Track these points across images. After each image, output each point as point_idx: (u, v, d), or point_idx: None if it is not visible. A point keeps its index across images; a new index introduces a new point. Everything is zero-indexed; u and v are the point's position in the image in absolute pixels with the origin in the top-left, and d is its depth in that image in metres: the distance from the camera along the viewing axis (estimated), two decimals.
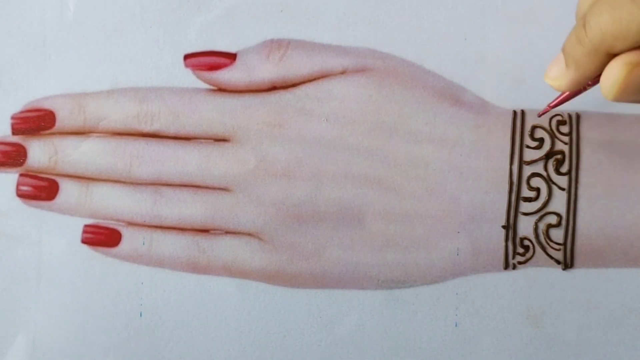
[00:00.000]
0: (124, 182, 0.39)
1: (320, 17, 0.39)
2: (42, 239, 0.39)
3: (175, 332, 0.39)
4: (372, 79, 0.38)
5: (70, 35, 0.39)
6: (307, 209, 0.39)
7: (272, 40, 0.39)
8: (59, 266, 0.39)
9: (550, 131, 0.38)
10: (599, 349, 0.39)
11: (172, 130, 0.39)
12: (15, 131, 0.39)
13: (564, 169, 0.38)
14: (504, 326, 0.39)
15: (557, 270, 0.39)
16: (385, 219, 0.38)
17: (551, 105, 0.34)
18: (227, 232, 0.39)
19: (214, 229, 0.39)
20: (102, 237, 0.39)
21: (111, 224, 0.39)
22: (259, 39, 0.39)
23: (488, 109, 0.38)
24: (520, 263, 0.39)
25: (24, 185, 0.39)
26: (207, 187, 0.39)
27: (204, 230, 0.39)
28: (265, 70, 0.38)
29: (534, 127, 0.38)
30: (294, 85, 0.39)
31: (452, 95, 0.38)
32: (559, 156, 0.38)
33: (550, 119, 0.38)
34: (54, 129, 0.39)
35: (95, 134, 0.39)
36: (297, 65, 0.38)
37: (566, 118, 0.38)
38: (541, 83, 0.38)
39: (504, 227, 0.38)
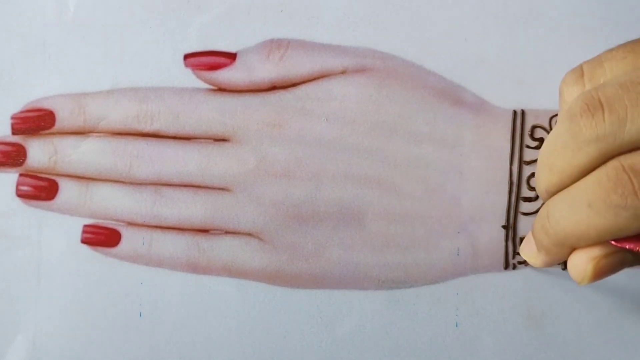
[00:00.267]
0: (123, 182, 0.39)
1: (320, 17, 0.39)
2: (42, 239, 0.39)
3: (175, 332, 0.39)
4: (372, 79, 0.38)
5: (70, 35, 0.39)
6: (307, 209, 0.39)
7: (272, 40, 0.39)
8: (59, 266, 0.39)
9: (550, 131, 0.38)
10: (599, 349, 0.39)
11: (172, 130, 0.39)
12: (15, 131, 0.39)
13: None
14: (504, 326, 0.39)
15: (557, 270, 0.39)
16: (385, 219, 0.38)
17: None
18: (227, 232, 0.39)
19: (214, 229, 0.39)
20: (102, 237, 0.39)
21: (111, 224, 0.39)
22: (259, 39, 0.39)
23: (488, 109, 0.38)
24: (520, 263, 0.39)
25: (23, 185, 0.39)
26: (207, 187, 0.39)
27: (204, 230, 0.39)
28: (265, 70, 0.38)
29: (534, 127, 0.38)
30: (294, 85, 0.39)
31: (452, 95, 0.38)
32: None
33: (551, 119, 0.38)
34: (54, 129, 0.39)
35: (95, 134, 0.39)
36: (297, 65, 0.38)
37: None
38: (541, 83, 0.38)
39: (504, 227, 0.38)
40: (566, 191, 0.30)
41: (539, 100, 0.38)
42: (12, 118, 0.39)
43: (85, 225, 0.39)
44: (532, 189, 0.38)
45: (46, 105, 0.39)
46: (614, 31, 0.38)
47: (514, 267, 0.39)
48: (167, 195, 0.39)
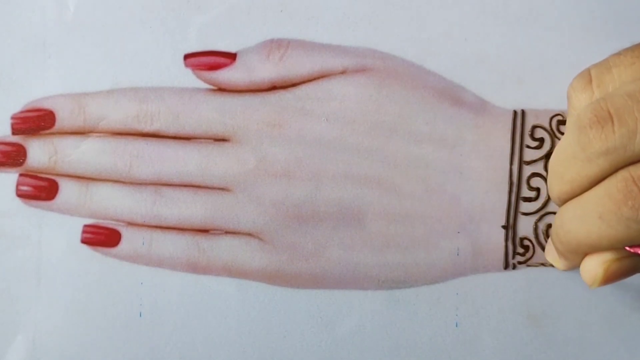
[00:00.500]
0: (123, 182, 0.39)
1: (320, 17, 0.39)
2: (42, 239, 0.39)
3: (175, 332, 0.39)
4: (372, 79, 0.38)
5: (70, 35, 0.39)
6: (307, 209, 0.39)
7: (272, 40, 0.39)
8: (59, 266, 0.39)
9: (550, 131, 0.38)
10: (599, 349, 0.39)
11: (172, 130, 0.39)
12: (15, 131, 0.39)
13: None
14: (504, 326, 0.39)
15: (557, 270, 0.39)
16: (385, 219, 0.38)
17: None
18: (227, 232, 0.39)
19: (214, 229, 0.39)
20: (102, 237, 0.39)
21: (111, 224, 0.39)
22: (259, 39, 0.39)
23: (488, 109, 0.38)
24: (520, 263, 0.39)
25: (23, 185, 0.39)
26: (207, 187, 0.39)
27: (204, 230, 0.39)
28: (265, 70, 0.38)
29: (534, 127, 0.38)
30: (294, 85, 0.39)
31: (452, 95, 0.38)
32: None
33: (551, 118, 0.38)
34: (54, 129, 0.39)
35: (95, 134, 0.39)
36: (297, 65, 0.38)
37: (567, 118, 0.38)
38: (541, 83, 0.38)
39: (504, 227, 0.38)
40: (577, 201, 0.30)
41: (539, 100, 0.38)
42: (12, 118, 0.39)
43: (85, 225, 0.39)
44: (532, 189, 0.38)
45: (46, 105, 0.39)
46: (614, 31, 0.38)
47: (514, 267, 0.39)
48: (167, 195, 0.39)
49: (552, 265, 0.38)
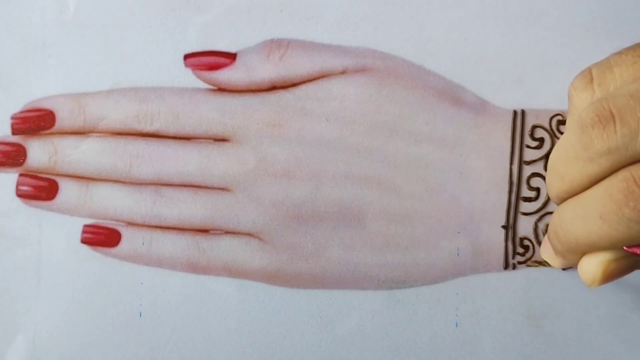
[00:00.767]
0: (123, 182, 0.39)
1: (320, 17, 0.39)
2: (42, 239, 0.39)
3: (175, 332, 0.39)
4: (372, 79, 0.38)
5: (70, 35, 0.39)
6: (307, 209, 0.39)
7: (272, 40, 0.39)
8: (59, 266, 0.39)
9: (550, 131, 0.38)
10: (599, 349, 0.39)
11: (172, 130, 0.39)
12: (15, 131, 0.39)
13: None
14: (504, 326, 0.39)
15: (557, 270, 0.39)
16: (385, 219, 0.38)
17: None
18: (227, 232, 0.39)
19: (214, 229, 0.39)
20: (102, 237, 0.39)
21: (111, 224, 0.39)
22: (259, 39, 0.39)
23: (488, 109, 0.38)
24: (520, 263, 0.39)
25: (23, 185, 0.39)
26: (207, 187, 0.39)
27: (204, 230, 0.39)
28: (265, 70, 0.38)
29: (534, 127, 0.38)
30: (294, 85, 0.39)
31: (452, 95, 0.38)
32: None
33: (551, 118, 0.38)
34: (54, 129, 0.39)
35: (95, 134, 0.39)
36: (297, 65, 0.38)
37: (566, 118, 0.38)
38: (541, 83, 0.38)
39: (504, 227, 0.38)
40: (577, 200, 0.30)
41: (539, 100, 0.38)
42: (12, 118, 0.39)
43: (85, 225, 0.39)
44: (532, 189, 0.38)
45: (46, 105, 0.39)
46: (614, 31, 0.38)
47: (514, 267, 0.39)
48: (167, 195, 0.39)
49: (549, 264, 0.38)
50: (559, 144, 0.31)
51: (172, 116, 0.39)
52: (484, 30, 0.38)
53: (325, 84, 0.38)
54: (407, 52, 0.38)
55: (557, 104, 0.38)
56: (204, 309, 0.39)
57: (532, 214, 0.38)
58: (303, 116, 0.38)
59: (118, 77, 0.39)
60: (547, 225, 0.38)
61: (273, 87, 0.39)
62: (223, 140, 0.39)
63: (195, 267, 0.39)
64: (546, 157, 0.38)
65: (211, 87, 0.39)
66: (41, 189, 0.39)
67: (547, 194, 0.37)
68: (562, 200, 0.31)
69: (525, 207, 0.38)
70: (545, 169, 0.38)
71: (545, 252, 0.35)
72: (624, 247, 0.30)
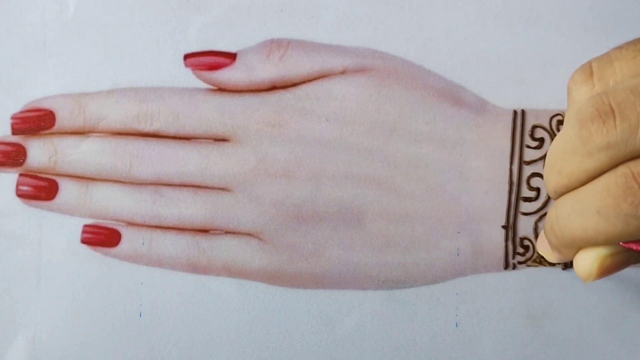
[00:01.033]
0: (123, 182, 0.39)
1: (320, 17, 0.39)
2: (42, 239, 0.39)
3: (175, 332, 0.39)
4: (372, 79, 0.38)
5: (70, 35, 0.39)
6: (307, 209, 0.39)
7: (272, 40, 0.39)
8: (59, 266, 0.39)
9: (550, 131, 0.38)
10: (599, 349, 0.39)
11: (172, 130, 0.39)
12: (15, 131, 0.39)
13: None
14: (504, 326, 0.39)
15: (557, 270, 0.39)
16: (385, 219, 0.38)
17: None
18: (227, 232, 0.39)
19: (214, 229, 0.39)
20: (102, 237, 0.39)
21: (111, 224, 0.39)
22: (259, 39, 0.39)
23: (488, 109, 0.38)
24: (520, 263, 0.39)
25: (23, 185, 0.39)
26: (207, 187, 0.39)
27: (204, 230, 0.39)
28: (265, 70, 0.38)
29: (534, 127, 0.38)
30: (294, 85, 0.39)
31: (452, 95, 0.38)
32: None
33: (551, 118, 0.38)
34: (54, 129, 0.39)
35: (95, 134, 0.39)
36: (297, 65, 0.38)
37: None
38: (541, 83, 0.38)
39: (504, 227, 0.38)
40: (575, 195, 0.30)
41: (539, 100, 0.38)
42: (12, 118, 0.39)
43: (85, 225, 0.39)
44: (532, 189, 0.38)
45: (46, 105, 0.39)
46: (614, 31, 0.38)
47: (514, 267, 0.39)
48: (167, 195, 0.39)
49: (550, 264, 0.38)
50: (557, 138, 0.31)
51: (172, 116, 0.39)
52: (484, 30, 0.38)
53: (325, 84, 0.38)
54: (407, 52, 0.38)
55: (557, 104, 0.38)
56: (204, 309, 0.39)
57: (532, 214, 0.38)
58: (303, 116, 0.38)
59: (118, 77, 0.39)
60: None
61: (273, 87, 0.39)
62: (223, 140, 0.39)
63: (195, 267, 0.39)
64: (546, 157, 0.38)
65: (211, 87, 0.39)
66: (41, 189, 0.39)
67: (547, 192, 0.37)
68: (560, 195, 0.31)
69: (525, 207, 0.38)
70: None
71: (541, 246, 0.35)
72: (620, 243, 0.30)
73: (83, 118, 0.39)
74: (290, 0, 0.38)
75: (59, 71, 0.39)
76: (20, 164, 0.39)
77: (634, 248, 0.30)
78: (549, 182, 0.31)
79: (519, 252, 0.38)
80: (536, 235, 0.38)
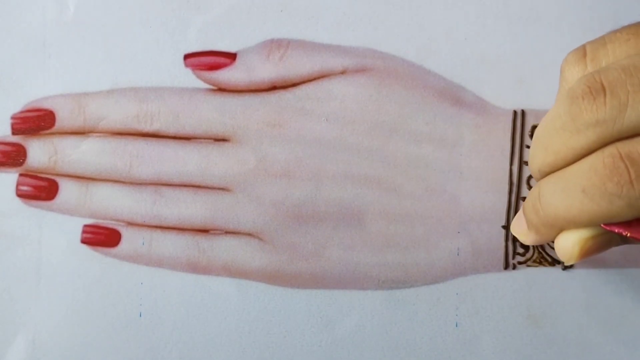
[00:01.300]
0: (123, 182, 0.39)
1: (320, 17, 0.39)
2: (42, 239, 0.39)
3: (175, 332, 0.39)
4: (372, 79, 0.38)
5: (70, 35, 0.39)
6: (307, 209, 0.39)
7: (272, 40, 0.39)
8: (59, 266, 0.39)
9: None
10: (599, 349, 0.39)
11: (172, 130, 0.39)
12: (15, 131, 0.39)
13: None
14: (504, 326, 0.39)
15: (557, 271, 0.39)
16: (385, 219, 0.38)
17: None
18: (227, 232, 0.39)
19: (214, 229, 0.39)
20: (102, 237, 0.39)
21: (111, 224, 0.39)
22: (259, 39, 0.39)
23: (488, 109, 0.38)
24: (520, 263, 0.39)
25: (23, 185, 0.39)
26: (207, 187, 0.39)
27: (204, 230, 0.39)
28: (265, 70, 0.38)
29: (534, 127, 0.38)
30: (294, 85, 0.39)
31: (452, 95, 0.38)
32: None
33: None
34: (54, 129, 0.39)
35: (95, 134, 0.39)
36: (297, 65, 0.38)
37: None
38: (541, 83, 0.38)
39: (504, 227, 0.38)
40: (560, 173, 0.30)
41: (539, 100, 0.38)
42: (12, 118, 0.39)
43: (85, 225, 0.39)
44: (532, 189, 0.38)
45: (46, 105, 0.39)
46: None
47: (514, 267, 0.39)
48: (167, 195, 0.39)
49: (551, 265, 0.38)
50: (546, 117, 0.30)
51: (172, 116, 0.39)
52: (484, 30, 0.38)
53: (325, 84, 0.38)
54: (407, 52, 0.38)
55: None
56: (204, 309, 0.39)
57: None
58: (303, 116, 0.38)
59: (118, 77, 0.39)
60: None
61: (273, 87, 0.39)
62: (223, 140, 0.39)
63: (195, 267, 0.39)
64: None
65: (211, 87, 0.39)
66: (41, 189, 0.39)
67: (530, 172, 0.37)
68: (544, 174, 0.31)
69: None
70: None
71: (516, 227, 0.34)
72: (602, 225, 0.30)
73: (83, 118, 0.39)
74: (290, 0, 0.38)
75: (59, 71, 0.39)
76: (20, 164, 0.39)
77: (616, 230, 0.29)
78: (535, 161, 0.31)
79: (519, 252, 0.38)
80: None
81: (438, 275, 0.39)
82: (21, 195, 0.39)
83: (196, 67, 0.39)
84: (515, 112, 0.38)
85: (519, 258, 0.38)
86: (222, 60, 0.38)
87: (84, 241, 0.39)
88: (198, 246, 0.39)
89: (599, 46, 0.31)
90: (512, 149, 0.38)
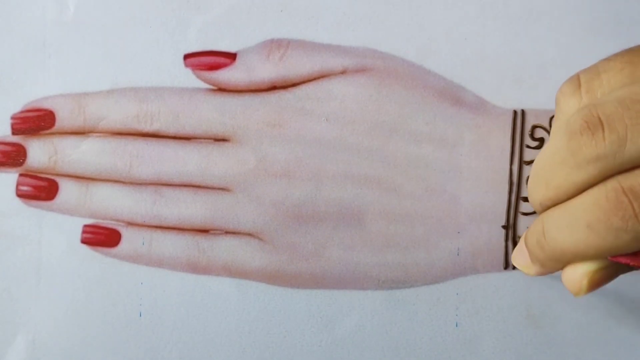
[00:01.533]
0: (123, 182, 0.39)
1: (320, 17, 0.39)
2: (42, 239, 0.39)
3: (175, 332, 0.39)
4: (372, 79, 0.38)
5: (70, 35, 0.39)
6: (307, 209, 0.39)
7: (272, 40, 0.39)
8: (59, 266, 0.39)
9: (550, 131, 0.38)
10: (599, 349, 0.39)
11: (172, 130, 0.39)
12: (15, 131, 0.39)
13: None
14: (504, 326, 0.39)
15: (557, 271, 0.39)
16: (385, 219, 0.38)
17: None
18: (227, 232, 0.39)
19: (214, 229, 0.39)
20: (102, 237, 0.39)
21: (111, 224, 0.39)
22: (259, 39, 0.39)
23: (488, 109, 0.38)
24: None
25: (23, 185, 0.39)
26: (207, 187, 0.39)
27: (204, 230, 0.39)
28: (265, 70, 0.38)
29: (534, 127, 0.38)
30: (294, 85, 0.39)
31: (452, 95, 0.38)
32: None
33: (551, 118, 0.38)
34: (54, 129, 0.39)
35: (95, 134, 0.39)
36: (297, 65, 0.38)
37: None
38: (541, 83, 0.38)
39: (504, 227, 0.38)
40: (563, 208, 0.30)
41: (539, 100, 0.38)
42: (12, 118, 0.39)
43: (85, 225, 0.39)
44: None
45: (46, 105, 0.39)
46: (614, 31, 0.38)
47: (514, 267, 0.39)
48: (167, 195, 0.39)
49: None
50: (544, 150, 0.30)
51: (172, 116, 0.39)
52: (484, 30, 0.38)
53: (325, 84, 0.38)
54: (407, 52, 0.38)
55: None
56: (204, 309, 0.39)
57: (532, 214, 0.38)
58: (303, 116, 0.38)
59: (118, 77, 0.39)
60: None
61: (273, 87, 0.39)
62: (223, 140, 0.39)
63: (195, 267, 0.39)
64: None
65: (211, 87, 0.39)
66: (41, 189, 0.39)
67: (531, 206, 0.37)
68: (545, 208, 0.31)
69: (525, 207, 0.38)
70: None
71: (518, 259, 0.34)
72: (609, 257, 0.30)
73: (83, 118, 0.39)
74: (290, 0, 0.38)
75: (59, 71, 0.39)
76: (20, 164, 0.39)
77: (623, 261, 0.30)
78: (535, 195, 0.31)
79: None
80: None
81: (438, 275, 0.39)
82: (21, 195, 0.39)
83: (196, 67, 0.39)
84: (515, 112, 0.38)
85: None
86: (222, 60, 0.38)
87: (84, 241, 0.39)
88: (198, 246, 0.39)
89: (593, 76, 0.30)
90: (512, 149, 0.38)
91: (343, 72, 0.38)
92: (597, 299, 0.39)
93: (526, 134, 0.38)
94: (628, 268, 0.31)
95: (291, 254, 0.39)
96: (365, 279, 0.39)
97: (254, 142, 0.38)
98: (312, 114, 0.38)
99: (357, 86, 0.38)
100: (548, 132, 0.38)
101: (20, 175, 0.39)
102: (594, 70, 0.31)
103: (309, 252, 0.39)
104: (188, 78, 0.39)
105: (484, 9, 0.38)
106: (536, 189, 0.31)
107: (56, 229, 0.39)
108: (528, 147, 0.38)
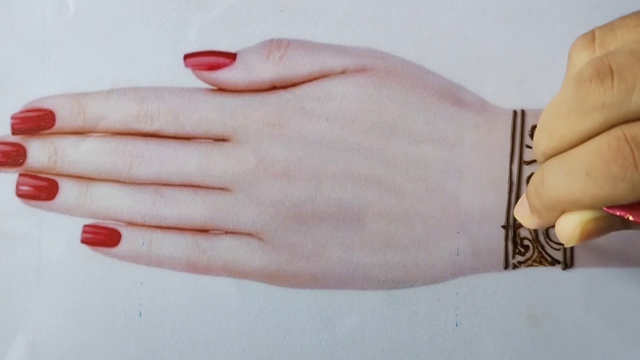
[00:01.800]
0: (123, 182, 0.39)
1: (320, 17, 0.39)
2: (42, 239, 0.39)
3: (174, 332, 0.39)
4: (372, 79, 0.38)
5: (70, 35, 0.39)
6: (307, 209, 0.39)
7: (272, 40, 0.39)
8: (59, 266, 0.39)
9: None
10: (599, 348, 0.39)
11: (172, 130, 0.39)
12: (15, 131, 0.39)
13: None
14: (504, 326, 0.39)
15: (557, 270, 0.39)
16: (385, 219, 0.38)
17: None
18: (227, 232, 0.39)
19: (214, 229, 0.39)
20: (102, 237, 0.39)
21: (111, 224, 0.39)
22: (259, 39, 0.39)
23: (488, 109, 0.38)
24: (520, 263, 0.39)
25: (23, 185, 0.39)
26: (207, 187, 0.39)
27: (204, 230, 0.39)
28: (265, 70, 0.38)
29: (534, 127, 0.38)
30: (294, 85, 0.39)
31: (452, 95, 0.38)
32: None
33: None
34: (54, 129, 0.39)
35: (95, 134, 0.39)
36: (297, 65, 0.38)
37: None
38: (541, 83, 0.38)
39: (504, 227, 0.38)
40: (563, 156, 0.30)
41: (539, 100, 0.38)
42: (12, 118, 0.39)
43: (85, 225, 0.39)
44: None
45: (46, 105, 0.39)
46: None
47: (514, 267, 0.39)
48: (167, 195, 0.39)
49: (551, 265, 0.38)
50: (551, 102, 0.30)
51: (172, 116, 0.39)
52: (484, 30, 0.38)
53: (325, 84, 0.38)
54: (407, 52, 0.38)
55: None
56: (204, 309, 0.39)
57: None
58: (303, 116, 0.38)
59: (118, 77, 0.39)
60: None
61: (273, 87, 0.39)
62: (223, 140, 0.39)
63: (195, 267, 0.39)
64: None
65: (211, 87, 0.39)
66: (41, 189, 0.39)
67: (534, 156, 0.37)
68: (548, 157, 0.31)
69: None
70: None
71: (519, 211, 0.34)
72: (604, 208, 0.30)
73: (83, 118, 0.39)
74: (290, 0, 0.38)
75: (59, 71, 0.39)
76: (20, 164, 0.39)
77: (617, 213, 0.29)
78: (539, 144, 0.31)
79: (519, 252, 0.38)
80: (536, 235, 0.38)
81: (438, 275, 0.39)
82: (21, 195, 0.39)
83: (196, 67, 0.39)
84: (515, 112, 0.38)
85: (519, 258, 0.38)
86: (222, 60, 0.38)
87: (84, 241, 0.39)
88: (198, 246, 0.39)
89: (607, 31, 0.30)
90: (512, 149, 0.38)
91: (343, 72, 0.38)
92: (597, 298, 0.39)
93: (526, 134, 0.38)
94: (622, 223, 0.30)
95: (291, 254, 0.39)
96: (365, 279, 0.39)
97: (254, 142, 0.38)
98: (312, 114, 0.38)
99: (357, 86, 0.38)
100: None
101: (20, 175, 0.39)
102: (609, 26, 0.31)
103: (309, 252, 0.39)
104: (188, 78, 0.39)
105: (484, 8, 0.38)
106: (540, 139, 0.31)
107: (56, 229, 0.39)
108: (528, 147, 0.38)
